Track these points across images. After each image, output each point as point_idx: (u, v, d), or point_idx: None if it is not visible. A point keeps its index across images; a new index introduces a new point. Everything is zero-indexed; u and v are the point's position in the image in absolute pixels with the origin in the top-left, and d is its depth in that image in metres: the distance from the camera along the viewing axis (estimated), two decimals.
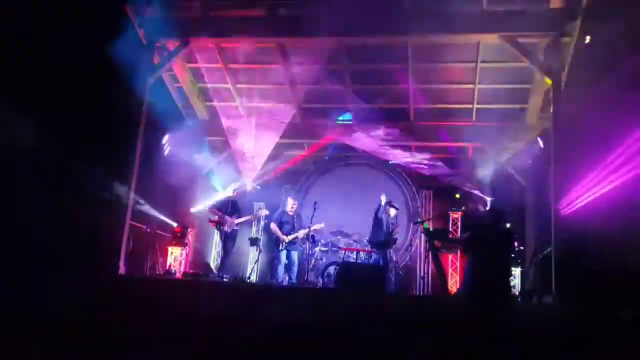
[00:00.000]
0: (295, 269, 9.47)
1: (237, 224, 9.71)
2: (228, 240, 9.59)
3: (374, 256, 9.33)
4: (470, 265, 6.09)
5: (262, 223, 11.89)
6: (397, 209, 9.45)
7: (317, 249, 10.35)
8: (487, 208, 9.26)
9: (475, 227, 6.30)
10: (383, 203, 9.29)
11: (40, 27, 7.94)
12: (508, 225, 6.37)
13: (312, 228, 9.33)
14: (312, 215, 9.33)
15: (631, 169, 7.24)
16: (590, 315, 6.09)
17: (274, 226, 9.60)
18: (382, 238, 9.14)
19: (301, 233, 9.47)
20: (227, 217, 9.52)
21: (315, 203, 9.49)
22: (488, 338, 5.36)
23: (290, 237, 9.35)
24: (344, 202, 11.62)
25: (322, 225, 9.64)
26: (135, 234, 9.31)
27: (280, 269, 9.31)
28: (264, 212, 10.26)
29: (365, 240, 10.11)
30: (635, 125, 7.25)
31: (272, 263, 10.02)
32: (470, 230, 6.46)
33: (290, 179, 12.65)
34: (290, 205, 9.70)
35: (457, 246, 9.57)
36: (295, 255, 9.52)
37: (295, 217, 9.60)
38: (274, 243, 9.66)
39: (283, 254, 9.37)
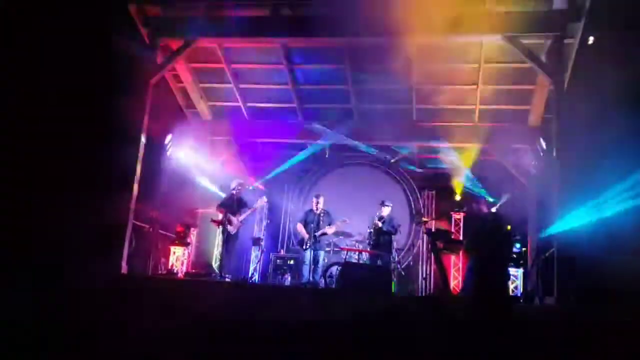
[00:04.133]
0: (319, 269, 9.32)
1: (241, 222, 9.58)
2: (230, 240, 9.49)
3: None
4: (470, 267, 6.14)
5: (264, 223, 11.91)
6: (387, 205, 9.42)
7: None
8: (490, 210, 9.23)
9: (476, 229, 6.33)
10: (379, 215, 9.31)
11: (41, 25, 7.95)
12: (508, 227, 6.38)
13: (338, 223, 9.35)
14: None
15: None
16: (591, 317, 6.09)
17: (299, 226, 9.55)
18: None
19: (329, 230, 9.35)
20: (233, 218, 9.43)
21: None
22: (489, 339, 5.37)
23: (308, 236, 9.24)
24: (345, 202, 11.62)
25: (346, 220, 9.53)
26: (137, 234, 9.31)
27: (305, 269, 9.25)
28: (264, 200, 10.15)
29: (367, 241, 10.12)
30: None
31: (298, 264, 9.99)
32: (471, 232, 6.51)
33: (292, 179, 12.67)
34: (315, 203, 9.59)
35: (459, 247, 9.57)
36: (321, 255, 9.38)
37: (322, 215, 9.41)
38: (299, 243, 9.62)
39: (308, 254, 9.25)
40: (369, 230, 9.32)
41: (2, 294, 6.34)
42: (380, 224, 9.13)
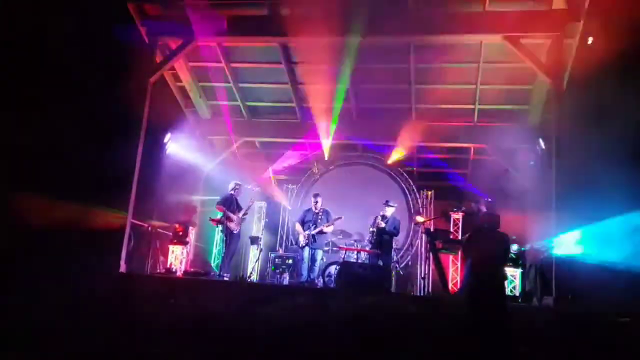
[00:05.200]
0: (316, 268, 9.32)
1: (241, 219, 9.51)
2: (233, 239, 9.46)
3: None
4: (467, 267, 6.15)
5: (262, 222, 11.91)
6: (392, 205, 9.43)
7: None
8: (487, 210, 9.25)
9: (473, 229, 6.36)
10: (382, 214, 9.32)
11: (41, 25, 7.95)
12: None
13: (330, 223, 9.35)
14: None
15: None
16: (589, 317, 6.10)
17: (297, 226, 9.55)
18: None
19: (326, 229, 9.33)
20: (233, 215, 9.39)
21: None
22: (487, 338, 5.37)
23: (305, 234, 9.23)
24: (344, 201, 11.62)
25: (341, 217, 9.58)
26: (136, 233, 9.30)
27: (304, 268, 9.25)
28: (255, 189, 10.18)
29: (366, 240, 10.12)
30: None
31: (296, 263, 9.99)
32: (469, 232, 6.53)
33: (291, 179, 12.67)
34: (314, 203, 9.56)
35: (457, 247, 9.57)
36: (319, 254, 9.36)
37: (320, 214, 9.40)
38: (297, 242, 9.61)
39: (306, 252, 9.25)
40: (371, 230, 9.31)
41: (2, 293, 6.35)
42: (383, 224, 9.13)
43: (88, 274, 6.78)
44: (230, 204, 9.49)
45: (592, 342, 5.61)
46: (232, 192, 9.62)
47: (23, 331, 5.80)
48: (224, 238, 9.45)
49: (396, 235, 9.48)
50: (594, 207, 7.22)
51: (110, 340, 6.03)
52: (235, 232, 9.35)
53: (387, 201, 9.44)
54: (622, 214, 7.05)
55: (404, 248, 11.67)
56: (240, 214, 9.48)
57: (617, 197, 7.02)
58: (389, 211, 9.30)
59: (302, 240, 9.27)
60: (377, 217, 9.33)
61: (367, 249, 9.48)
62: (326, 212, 9.47)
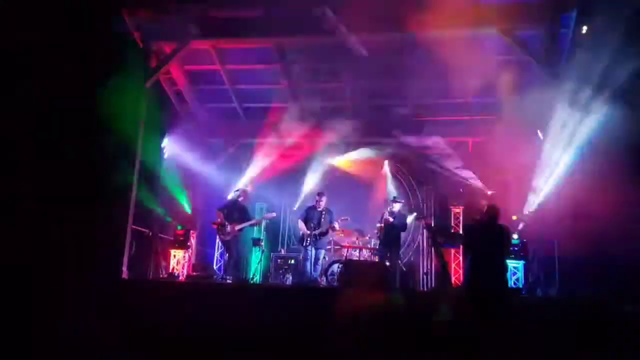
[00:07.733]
0: (319, 267, 9.32)
1: (238, 230, 9.45)
2: (230, 245, 9.43)
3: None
4: (469, 261, 6.15)
5: (264, 223, 11.89)
6: (399, 202, 9.44)
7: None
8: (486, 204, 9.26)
9: (474, 222, 6.35)
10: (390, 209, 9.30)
11: (36, 29, 7.93)
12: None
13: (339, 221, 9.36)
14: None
15: None
16: (593, 308, 6.09)
17: (300, 223, 9.52)
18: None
19: (330, 230, 9.31)
20: (228, 225, 9.33)
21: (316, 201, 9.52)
22: (490, 331, 5.37)
23: (307, 233, 9.20)
24: (344, 199, 11.60)
25: (347, 219, 9.59)
26: (137, 238, 9.29)
27: (307, 267, 9.24)
28: (272, 215, 10.22)
29: (368, 237, 10.11)
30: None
31: (302, 261, 9.98)
32: (469, 226, 6.53)
33: (291, 178, 12.64)
34: (317, 201, 9.52)
35: (459, 240, 9.56)
36: (321, 253, 9.36)
37: (324, 213, 9.36)
38: (299, 240, 9.61)
39: (311, 251, 9.23)
40: (378, 226, 9.30)
41: (4, 298, 6.35)
42: (391, 220, 9.14)
43: (90, 281, 6.78)
44: (231, 209, 9.44)
45: (595, 332, 5.61)
46: (239, 199, 9.58)
47: (25, 337, 5.81)
48: (224, 243, 9.45)
49: (404, 230, 9.48)
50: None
51: (115, 347, 6.03)
52: (225, 239, 9.31)
53: (394, 198, 9.49)
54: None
55: (406, 244, 11.65)
56: (241, 226, 9.41)
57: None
58: (397, 207, 9.31)
59: (305, 239, 9.24)
60: (384, 213, 9.31)
61: (372, 246, 9.48)
62: (330, 212, 9.45)
